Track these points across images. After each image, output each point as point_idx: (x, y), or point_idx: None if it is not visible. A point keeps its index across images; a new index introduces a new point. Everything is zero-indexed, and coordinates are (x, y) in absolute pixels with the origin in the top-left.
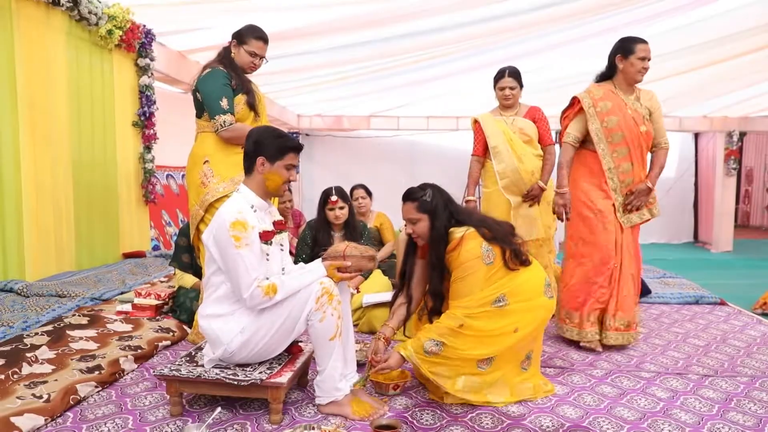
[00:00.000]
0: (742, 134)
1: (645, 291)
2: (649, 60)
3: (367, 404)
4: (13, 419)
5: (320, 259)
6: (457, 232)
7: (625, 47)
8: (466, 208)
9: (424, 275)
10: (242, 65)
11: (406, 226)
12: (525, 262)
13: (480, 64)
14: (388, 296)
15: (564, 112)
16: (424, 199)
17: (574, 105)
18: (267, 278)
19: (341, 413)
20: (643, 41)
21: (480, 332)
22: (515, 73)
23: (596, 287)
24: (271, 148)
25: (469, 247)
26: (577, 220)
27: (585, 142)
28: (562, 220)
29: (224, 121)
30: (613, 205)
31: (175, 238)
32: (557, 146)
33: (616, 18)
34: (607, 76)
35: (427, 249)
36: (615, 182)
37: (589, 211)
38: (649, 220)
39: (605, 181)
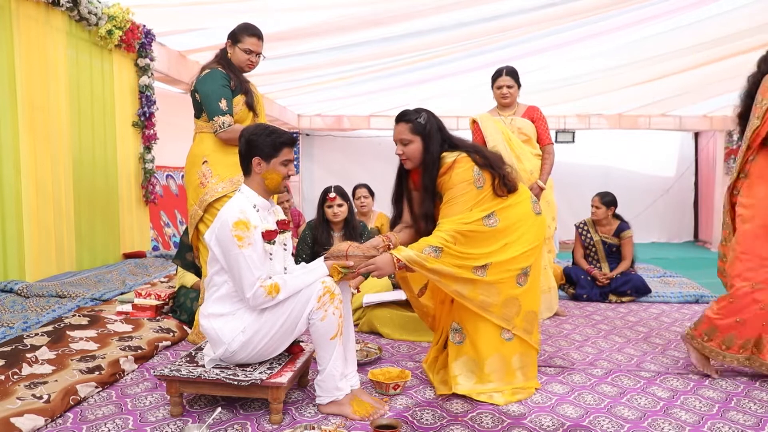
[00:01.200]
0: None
1: (645, 290)
2: None
3: (368, 404)
4: (13, 420)
5: (322, 258)
6: (449, 157)
7: None
8: (458, 136)
9: (419, 205)
10: (239, 64)
11: (396, 147)
12: (512, 190)
13: (480, 64)
14: (388, 296)
15: None
16: (419, 121)
17: None
18: (270, 277)
19: (341, 413)
20: None
21: (472, 248)
22: (512, 72)
23: None
24: (264, 146)
25: (461, 170)
26: None
27: None
28: None
29: (223, 123)
30: None
31: (174, 238)
32: (556, 146)
33: (618, 18)
34: None
35: (419, 177)
36: None
37: None
38: None
39: None
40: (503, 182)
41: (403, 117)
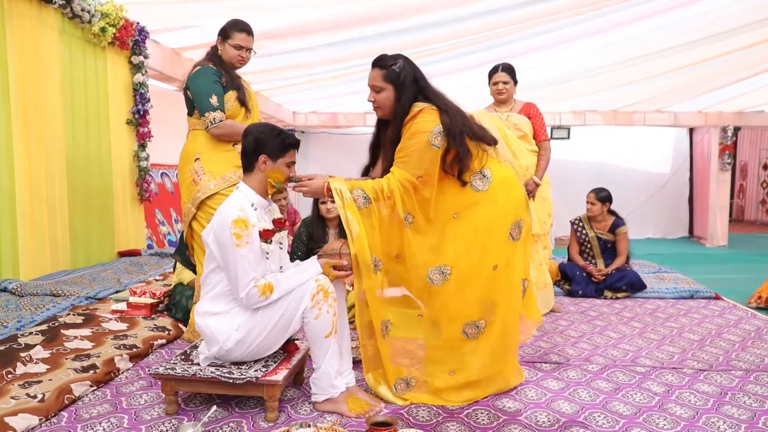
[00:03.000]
0: (737, 129)
1: (640, 286)
2: None
3: (363, 401)
4: (7, 419)
5: (316, 256)
6: (419, 106)
7: None
8: (438, 90)
9: (385, 159)
10: (230, 60)
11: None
12: (461, 175)
13: (476, 62)
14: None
15: None
16: (393, 68)
17: None
18: (263, 277)
19: (337, 410)
20: None
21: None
22: (508, 69)
23: None
24: (272, 146)
25: (421, 120)
26: None
27: None
28: None
29: (214, 118)
30: None
31: (169, 236)
32: (551, 142)
33: (613, 15)
34: None
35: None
36: None
37: None
38: None
39: None
40: (457, 159)
41: (378, 62)
